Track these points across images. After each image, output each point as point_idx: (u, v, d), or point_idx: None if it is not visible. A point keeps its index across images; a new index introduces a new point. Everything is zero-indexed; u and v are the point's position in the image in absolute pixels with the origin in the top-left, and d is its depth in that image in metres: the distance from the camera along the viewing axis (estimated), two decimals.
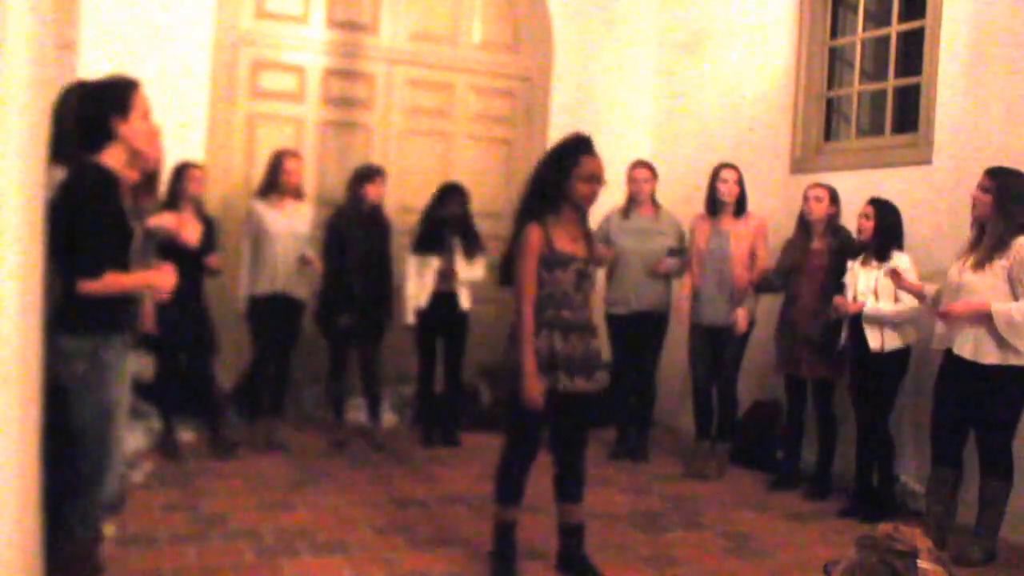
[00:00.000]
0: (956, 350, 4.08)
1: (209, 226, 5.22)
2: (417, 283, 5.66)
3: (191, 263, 4.96)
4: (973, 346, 4.02)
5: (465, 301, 5.74)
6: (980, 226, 4.13)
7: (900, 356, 4.59)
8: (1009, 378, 3.98)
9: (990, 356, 3.98)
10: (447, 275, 5.65)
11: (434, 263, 5.65)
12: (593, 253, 3.63)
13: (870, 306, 4.56)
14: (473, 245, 5.73)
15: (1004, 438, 4.07)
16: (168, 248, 4.74)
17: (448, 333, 5.80)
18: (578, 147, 3.52)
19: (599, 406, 3.69)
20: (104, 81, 2.95)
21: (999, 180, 4.04)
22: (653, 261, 5.56)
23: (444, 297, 5.67)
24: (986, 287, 4.00)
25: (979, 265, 4.03)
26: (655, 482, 5.24)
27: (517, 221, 3.56)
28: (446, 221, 5.65)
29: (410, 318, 5.70)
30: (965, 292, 4.06)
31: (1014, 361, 3.95)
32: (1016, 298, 3.96)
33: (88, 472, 2.83)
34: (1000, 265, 3.98)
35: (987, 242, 4.04)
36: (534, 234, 3.45)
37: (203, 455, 5.15)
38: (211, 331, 5.25)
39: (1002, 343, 3.95)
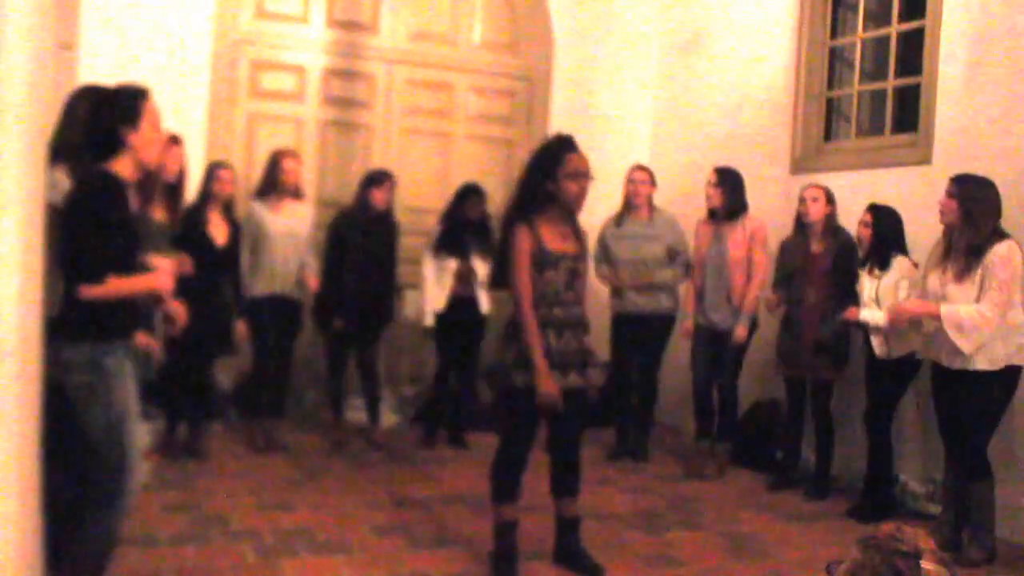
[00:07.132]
0: (936, 357, 4.10)
1: (236, 228, 5.21)
2: (435, 285, 5.65)
3: (216, 262, 4.95)
4: (960, 355, 4.01)
5: (485, 304, 5.73)
6: (951, 233, 4.12)
7: (907, 362, 4.58)
8: (992, 379, 3.99)
9: (980, 363, 3.97)
10: (466, 277, 5.64)
11: (451, 265, 5.63)
12: (584, 249, 3.66)
13: (864, 315, 4.55)
14: (491, 247, 5.72)
15: (982, 440, 4.07)
16: (196, 247, 4.74)
17: (466, 336, 5.77)
18: (561, 146, 3.55)
19: (594, 403, 3.72)
20: (114, 90, 2.92)
21: (964, 187, 4.02)
22: (644, 270, 5.56)
23: (463, 300, 5.65)
24: (966, 297, 3.98)
25: (960, 276, 4.01)
26: (655, 482, 5.24)
27: (504, 225, 3.61)
28: (466, 223, 5.65)
29: (428, 320, 5.69)
30: (949, 303, 4.04)
31: (986, 366, 3.95)
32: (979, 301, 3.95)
33: (106, 479, 2.81)
34: (980, 274, 3.96)
35: (959, 250, 4.02)
36: (523, 236, 3.49)
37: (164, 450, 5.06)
38: (229, 331, 5.20)
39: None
